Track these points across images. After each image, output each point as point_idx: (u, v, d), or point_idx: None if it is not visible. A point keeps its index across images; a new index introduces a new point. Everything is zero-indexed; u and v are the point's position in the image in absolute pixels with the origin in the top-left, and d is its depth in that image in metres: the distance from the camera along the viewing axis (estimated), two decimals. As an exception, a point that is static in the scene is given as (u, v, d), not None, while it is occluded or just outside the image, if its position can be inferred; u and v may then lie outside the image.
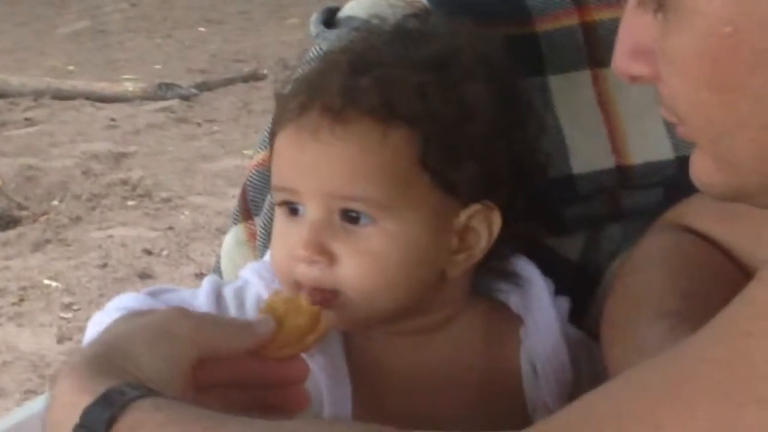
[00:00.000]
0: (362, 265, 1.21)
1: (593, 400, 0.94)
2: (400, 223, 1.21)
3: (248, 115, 6.56)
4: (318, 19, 1.50)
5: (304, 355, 1.18)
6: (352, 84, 1.21)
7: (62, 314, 4.14)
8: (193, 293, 1.32)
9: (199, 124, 6.41)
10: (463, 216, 1.24)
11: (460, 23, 1.31)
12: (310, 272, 1.21)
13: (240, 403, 1.12)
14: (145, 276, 4.38)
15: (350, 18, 1.46)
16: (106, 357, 1.07)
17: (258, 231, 1.50)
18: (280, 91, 1.30)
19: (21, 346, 3.94)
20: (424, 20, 1.34)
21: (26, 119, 6.58)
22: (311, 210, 1.22)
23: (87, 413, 1.01)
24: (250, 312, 1.28)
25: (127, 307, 1.28)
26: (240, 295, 1.31)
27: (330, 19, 1.49)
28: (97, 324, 1.26)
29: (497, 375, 1.30)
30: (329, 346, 1.25)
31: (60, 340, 3.97)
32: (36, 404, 1.35)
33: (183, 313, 1.15)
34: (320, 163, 1.21)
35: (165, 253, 4.60)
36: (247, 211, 1.54)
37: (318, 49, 1.45)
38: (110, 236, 4.77)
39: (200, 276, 4.10)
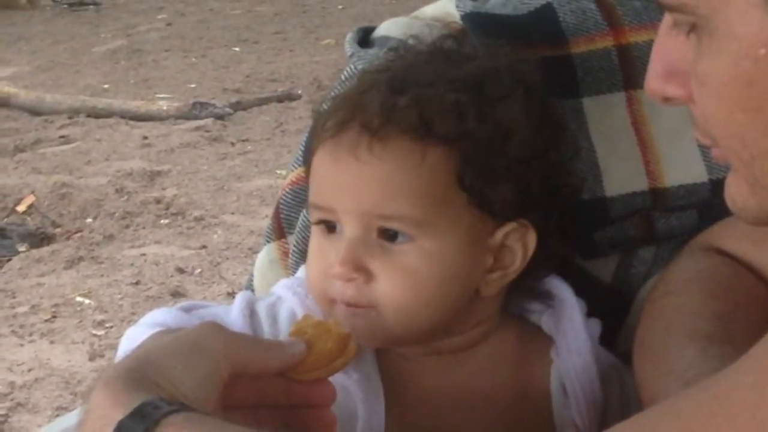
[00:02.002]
0: (399, 282, 1.21)
1: (627, 428, 0.95)
2: (437, 240, 1.21)
3: (282, 134, 6.57)
4: (353, 39, 1.51)
5: (341, 372, 1.19)
6: (391, 103, 1.22)
7: (94, 331, 4.15)
8: (226, 309, 1.33)
9: (233, 144, 6.42)
10: (499, 234, 1.24)
11: (496, 45, 1.31)
12: (346, 289, 1.22)
13: (267, 423, 1.13)
14: (177, 294, 4.39)
15: (385, 38, 1.47)
16: (141, 371, 1.08)
17: (291, 249, 1.51)
18: (317, 109, 1.31)
19: (53, 363, 3.96)
20: (460, 41, 1.34)
21: (61, 137, 6.61)
22: (348, 228, 1.22)
23: (121, 426, 1.01)
24: (283, 328, 1.28)
25: (161, 322, 1.29)
26: (273, 311, 1.31)
27: (365, 39, 1.50)
28: (131, 338, 1.27)
29: (527, 394, 1.30)
30: (364, 364, 1.26)
31: (92, 357, 3.99)
32: (68, 419, 1.36)
33: (217, 328, 1.15)
34: (358, 182, 1.21)
35: (197, 271, 4.61)
36: (280, 229, 1.54)
37: (353, 68, 1.46)
38: (143, 254, 4.78)
39: (232, 295, 4.11)
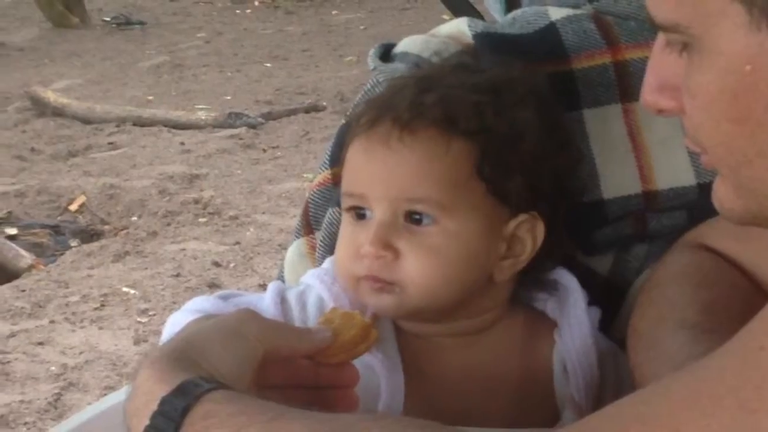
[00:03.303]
0: (423, 260, 1.23)
1: (622, 405, 0.95)
2: (459, 223, 1.23)
3: (308, 142, 6.57)
4: (375, 54, 1.52)
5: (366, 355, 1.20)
6: (419, 100, 1.25)
7: (139, 319, 4.15)
8: (260, 297, 1.34)
9: (264, 150, 6.43)
10: (512, 224, 1.26)
11: (508, 60, 1.33)
12: (374, 266, 1.23)
13: (296, 401, 1.13)
14: (213, 286, 4.39)
15: (405, 54, 1.48)
16: (183, 352, 1.09)
17: (318, 244, 1.51)
18: (349, 113, 1.33)
19: (101, 347, 3.96)
20: (475, 56, 1.37)
21: (109, 143, 6.62)
22: (378, 212, 1.24)
23: (164, 402, 1.02)
24: (312, 314, 1.29)
25: (201, 308, 1.30)
26: (302, 299, 1.32)
27: (386, 54, 1.51)
28: (174, 323, 1.27)
29: (532, 374, 1.31)
30: (386, 345, 1.27)
31: (136, 342, 3.99)
32: (116, 396, 1.36)
33: (252, 315, 1.16)
34: (388, 169, 1.24)
35: (232, 265, 4.61)
36: (308, 226, 1.55)
37: (375, 80, 1.47)
38: (183, 249, 4.78)
39: (263, 287, 4.10)
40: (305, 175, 5.80)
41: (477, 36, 1.44)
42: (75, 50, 9.15)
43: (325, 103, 7.34)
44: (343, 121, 1.45)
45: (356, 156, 1.28)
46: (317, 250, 1.52)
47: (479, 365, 1.30)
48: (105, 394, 3.62)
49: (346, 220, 1.29)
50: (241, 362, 1.10)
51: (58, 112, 7.17)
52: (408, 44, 1.49)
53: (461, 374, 1.30)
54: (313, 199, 1.55)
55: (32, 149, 6.52)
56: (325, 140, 6.50)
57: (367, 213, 1.26)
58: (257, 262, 4.65)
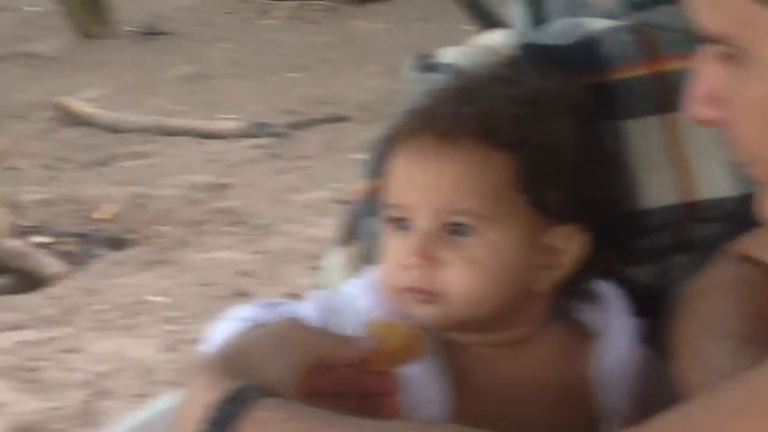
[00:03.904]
0: (466, 271, 1.24)
1: (668, 416, 0.95)
2: (500, 235, 1.24)
3: (333, 152, 6.58)
4: (414, 64, 1.52)
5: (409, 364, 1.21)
6: (459, 112, 1.26)
7: (167, 327, 4.16)
8: (303, 306, 1.34)
9: (289, 160, 6.44)
10: (553, 235, 1.27)
11: (547, 71, 1.33)
12: (416, 277, 1.24)
13: (339, 408, 1.14)
14: (241, 295, 4.40)
15: (444, 64, 1.48)
16: (234, 360, 1.10)
17: (357, 253, 1.52)
18: (391, 125, 1.34)
19: (130, 355, 3.98)
20: (514, 67, 1.37)
21: (137, 152, 6.64)
22: (421, 223, 1.25)
23: (217, 409, 1.04)
24: (352, 322, 1.30)
25: (246, 317, 1.31)
26: (342, 307, 1.33)
27: (424, 65, 1.51)
28: (221, 331, 1.29)
29: (573, 385, 1.31)
30: (430, 353, 1.27)
31: (165, 350, 4.00)
32: (164, 402, 1.37)
33: (298, 323, 1.18)
34: (430, 180, 1.25)
35: (259, 274, 4.62)
36: (347, 235, 1.55)
37: (414, 91, 1.48)
38: (210, 258, 4.79)
39: (291, 296, 4.12)
40: (330, 185, 5.81)
41: (517, 47, 1.45)
42: (102, 60, 9.17)
43: (349, 113, 7.33)
44: (383, 132, 1.45)
45: (397, 167, 1.29)
46: (357, 259, 1.52)
47: (520, 375, 1.30)
48: (133, 402, 3.64)
49: (389, 230, 1.30)
50: (287, 370, 1.11)
51: (86, 122, 7.19)
52: (447, 55, 1.50)
53: (502, 384, 1.30)
54: (352, 209, 1.56)
55: (61, 158, 6.54)
56: (348, 150, 6.52)
57: (410, 224, 1.26)
58: (284, 271, 4.66)
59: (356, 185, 1.58)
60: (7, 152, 5.71)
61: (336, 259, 1.56)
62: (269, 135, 6.88)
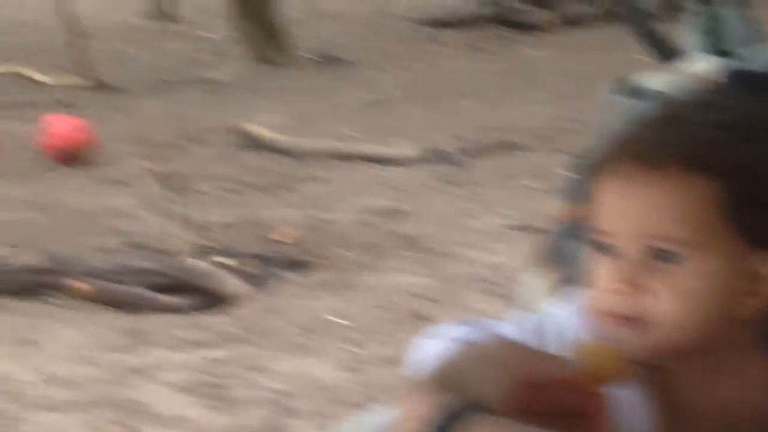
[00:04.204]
0: (673, 299, 1.23)
1: None
2: (706, 262, 1.23)
3: (506, 178, 6.58)
4: (614, 89, 1.52)
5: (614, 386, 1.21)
6: (665, 138, 1.26)
7: (347, 348, 4.21)
8: (506, 325, 1.36)
9: (463, 186, 6.46)
10: (758, 261, 1.25)
11: (756, 97, 1.32)
12: (622, 304, 1.24)
13: (546, 426, 1.14)
14: (420, 318, 4.42)
15: (648, 90, 1.48)
16: (449, 378, 1.12)
17: (557, 276, 1.53)
18: (594, 150, 1.34)
19: (312, 374, 4.03)
20: (721, 93, 1.36)
21: (315, 177, 6.73)
22: (627, 249, 1.24)
23: (434, 425, 1.05)
24: (553, 343, 1.31)
25: (452, 335, 1.32)
26: (545, 328, 1.34)
27: (627, 90, 1.51)
28: (429, 350, 1.30)
29: None
30: (634, 377, 1.27)
31: (345, 370, 4.04)
32: (373, 417, 1.39)
33: (509, 343, 1.19)
34: (636, 207, 1.24)
35: (436, 297, 4.64)
36: (547, 258, 1.56)
37: (618, 116, 1.48)
38: (387, 281, 4.84)
39: (467, 319, 4.12)
40: (503, 211, 5.82)
41: (724, 74, 1.44)
42: (280, 86, 9.33)
43: (521, 140, 7.33)
44: (586, 157, 1.45)
45: (602, 193, 1.28)
46: (557, 281, 1.53)
47: (731, 401, 1.29)
48: (315, 420, 3.69)
49: (594, 255, 1.30)
50: (501, 388, 1.12)
51: (265, 146, 7.33)
52: (650, 80, 1.50)
53: (713, 410, 1.29)
54: (553, 232, 1.56)
55: (241, 182, 6.68)
56: (522, 177, 6.52)
57: (615, 249, 1.26)
58: (459, 295, 4.67)
59: (557, 209, 1.59)
60: (190, 175, 5.84)
61: (535, 280, 1.57)
62: (444, 161, 6.91)
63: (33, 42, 11.54)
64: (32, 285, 4.93)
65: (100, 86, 9.47)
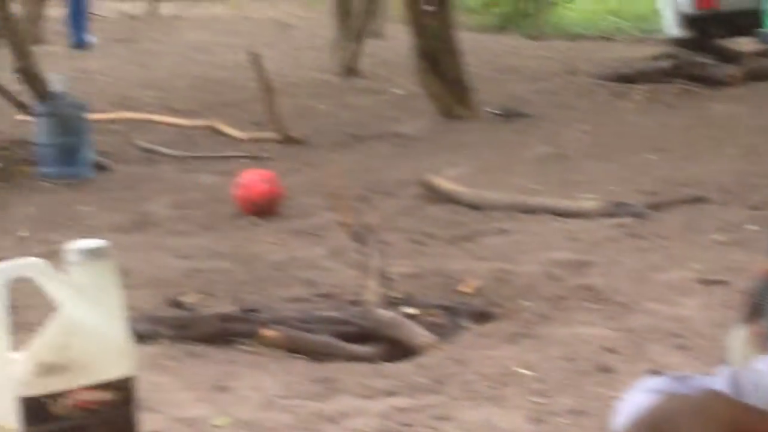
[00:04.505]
0: None
1: None
2: None
3: (693, 232, 6.47)
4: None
5: None
6: None
7: (534, 399, 4.17)
8: (712, 379, 1.33)
9: (649, 239, 6.37)
10: None
11: None
12: None
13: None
14: (605, 370, 4.37)
15: None
16: (657, 428, 1.10)
17: (762, 330, 1.49)
18: None
19: (499, 425, 4.00)
20: None
21: (499, 229, 6.72)
22: None
23: None
24: (752, 398, 1.27)
25: (657, 388, 1.30)
26: (756, 383, 1.30)
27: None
28: (634, 402, 1.28)
29: None
30: None
31: (532, 421, 4.01)
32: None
33: (719, 395, 1.17)
34: None
35: (622, 350, 4.58)
36: (752, 313, 1.53)
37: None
38: (574, 333, 4.79)
39: (655, 373, 4.04)
40: (691, 264, 5.71)
41: None
42: (464, 140, 9.37)
43: (708, 194, 7.20)
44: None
45: None
46: (762, 337, 1.49)
47: None
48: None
49: None
50: None
51: (450, 199, 7.35)
52: None
53: None
54: (756, 287, 1.53)
55: (427, 234, 6.71)
56: (710, 231, 6.41)
57: None
58: (647, 348, 4.60)
59: (759, 264, 1.55)
60: (377, 227, 5.88)
61: (740, 336, 1.54)
62: (629, 215, 6.84)
63: (227, 98, 11.84)
64: (224, 332, 5.02)
65: (290, 140, 9.65)
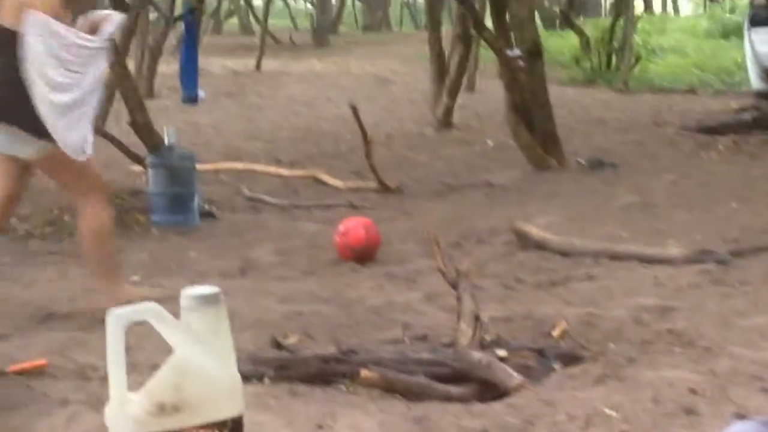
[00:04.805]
0: None
1: None
2: None
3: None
4: None
5: None
6: None
7: (621, 441, 4.13)
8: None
9: (733, 286, 6.30)
10: None
11: None
12: None
13: None
14: (690, 412, 4.30)
15: None
16: None
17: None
18: None
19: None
20: None
21: (587, 275, 6.69)
22: None
23: None
24: None
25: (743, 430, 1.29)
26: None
27: None
28: None
29: None
30: None
31: (621, 461, 3.97)
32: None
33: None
34: None
35: (706, 393, 4.51)
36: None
37: None
38: (659, 376, 4.73)
39: (740, 416, 4.00)
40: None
41: None
42: (553, 190, 9.35)
43: (789, 243, 7.11)
44: None
45: None
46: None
47: None
48: None
49: None
50: None
51: (540, 246, 7.34)
52: None
53: None
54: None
55: (517, 279, 6.70)
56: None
57: None
58: (732, 392, 4.52)
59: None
60: (470, 272, 5.87)
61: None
62: (713, 262, 6.78)
63: (328, 149, 11.95)
64: (324, 373, 5.02)
65: (387, 190, 9.71)
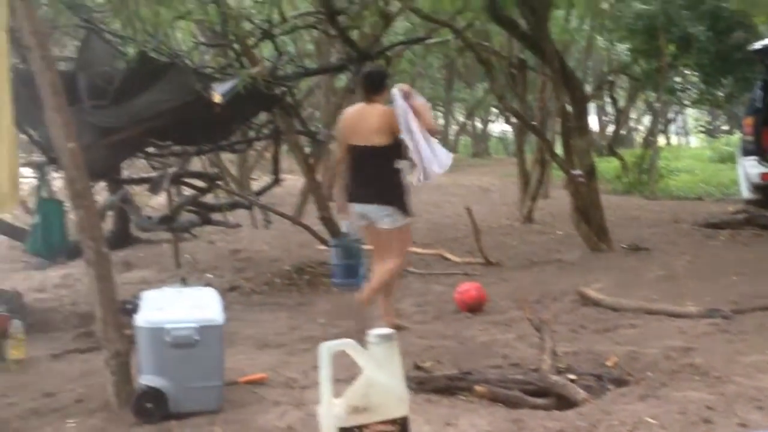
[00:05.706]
0: None
1: None
2: None
3: (766, 330, 6.11)
4: None
5: None
6: None
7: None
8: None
9: (735, 334, 6.05)
10: None
11: None
12: None
13: None
14: (707, 421, 4.14)
15: None
16: None
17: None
18: None
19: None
20: None
21: (630, 324, 6.51)
22: None
23: None
24: None
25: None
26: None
27: None
28: None
29: None
30: None
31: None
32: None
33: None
34: None
35: (718, 409, 4.33)
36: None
37: None
38: (684, 396, 4.56)
39: (743, 426, 3.82)
40: (767, 352, 5.39)
41: None
42: (604, 265, 9.16)
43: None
44: None
45: None
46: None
47: None
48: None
49: None
50: None
51: (596, 303, 7.18)
52: None
53: None
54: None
55: (581, 326, 6.56)
56: (777, 329, 6.02)
57: None
58: (737, 408, 4.34)
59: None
60: (549, 320, 5.79)
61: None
62: (720, 317, 6.54)
63: (450, 236, 11.94)
64: (450, 387, 4.99)
65: (490, 264, 9.64)
